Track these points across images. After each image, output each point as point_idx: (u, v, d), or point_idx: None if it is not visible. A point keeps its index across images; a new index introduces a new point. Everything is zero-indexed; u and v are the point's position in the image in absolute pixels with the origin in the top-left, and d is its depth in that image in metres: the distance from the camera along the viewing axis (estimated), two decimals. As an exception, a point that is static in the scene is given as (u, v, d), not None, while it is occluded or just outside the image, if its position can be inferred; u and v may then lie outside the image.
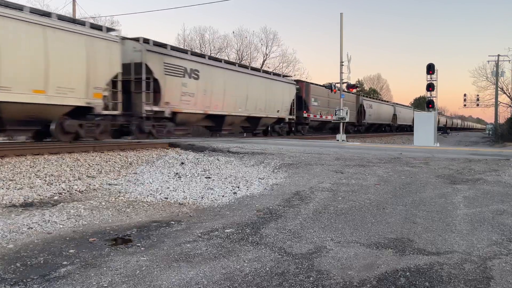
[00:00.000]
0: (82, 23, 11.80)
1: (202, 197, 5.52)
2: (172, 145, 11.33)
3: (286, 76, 25.79)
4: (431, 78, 18.53)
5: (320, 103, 26.78)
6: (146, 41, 14.12)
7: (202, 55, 17.99)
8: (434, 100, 18.88)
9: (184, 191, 5.91)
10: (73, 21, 11.93)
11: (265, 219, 4.33)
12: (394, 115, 44.70)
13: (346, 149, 11.23)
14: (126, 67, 13.16)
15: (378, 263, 3.06)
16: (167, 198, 5.53)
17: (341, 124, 18.61)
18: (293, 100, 23.56)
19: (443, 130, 50.44)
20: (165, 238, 3.71)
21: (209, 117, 17.35)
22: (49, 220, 4.23)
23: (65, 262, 3.07)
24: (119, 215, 4.62)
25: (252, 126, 20.94)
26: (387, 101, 48.40)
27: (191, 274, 2.85)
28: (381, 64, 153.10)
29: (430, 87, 18.49)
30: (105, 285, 2.66)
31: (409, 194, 5.51)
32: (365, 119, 35.47)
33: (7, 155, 8.26)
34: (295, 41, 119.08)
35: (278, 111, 21.77)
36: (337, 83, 20.06)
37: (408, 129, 45.26)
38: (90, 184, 6.36)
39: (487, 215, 4.42)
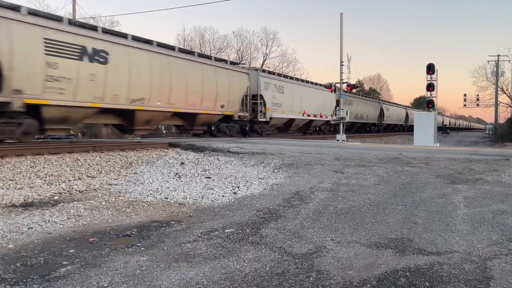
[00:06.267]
0: (236, 63, 20.77)
1: (202, 197, 5.52)
2: (172, 145, 11.33)
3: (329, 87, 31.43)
4: (431, 78, 18.54)
5: (354, 107, 32.41)
6: (256, 68, 21.26)
7: (285, 76, 24.97)
8: (434, 100, 18.89)
9: (184, 191, 5.90)
10: (231, 63, 19.43)
11: (265, 219, 4.33)
12: (406, 116, 48.95)
13: (346, 149, 11.22)
14: None
15: (378, 263, 3.06)
16: (167, 198, 5.52)
17: (341, 124, 18.62)
18: (335, 106, 28.77)
19: (443, 130, 50.71)
20: (165, 238, 3.71)
21: (285, 120, 23.50)
22: (49, 220, 4.23)
23: (65, 262, 3.07)
24: (119, 215, 4.62)
25: (306, 127, 27.32)
26: (400, 104, 52.23)
27: (191, 274, 2.85)
28: (381, 64, 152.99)
29: (430, 87, 18.50)
30: (105, 285, 2.66)
31: (409, 194, 5.50)
32: (384, 120, 41.22)
33: (7, 155, 8.26)
34: (295, 41, 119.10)
35: (325, 115, 28.17)
36: (337, 83, 20.13)
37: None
38: (90, 184, 6.36)
39: (487, 215, 4.42)
